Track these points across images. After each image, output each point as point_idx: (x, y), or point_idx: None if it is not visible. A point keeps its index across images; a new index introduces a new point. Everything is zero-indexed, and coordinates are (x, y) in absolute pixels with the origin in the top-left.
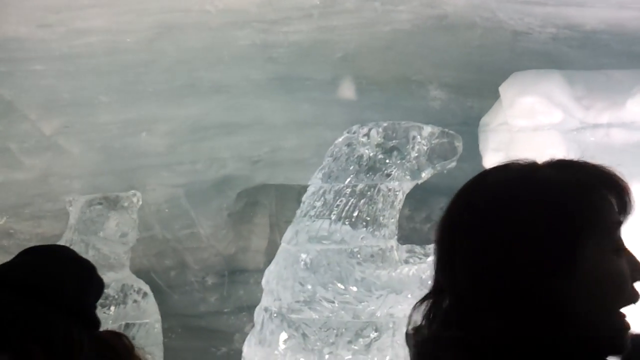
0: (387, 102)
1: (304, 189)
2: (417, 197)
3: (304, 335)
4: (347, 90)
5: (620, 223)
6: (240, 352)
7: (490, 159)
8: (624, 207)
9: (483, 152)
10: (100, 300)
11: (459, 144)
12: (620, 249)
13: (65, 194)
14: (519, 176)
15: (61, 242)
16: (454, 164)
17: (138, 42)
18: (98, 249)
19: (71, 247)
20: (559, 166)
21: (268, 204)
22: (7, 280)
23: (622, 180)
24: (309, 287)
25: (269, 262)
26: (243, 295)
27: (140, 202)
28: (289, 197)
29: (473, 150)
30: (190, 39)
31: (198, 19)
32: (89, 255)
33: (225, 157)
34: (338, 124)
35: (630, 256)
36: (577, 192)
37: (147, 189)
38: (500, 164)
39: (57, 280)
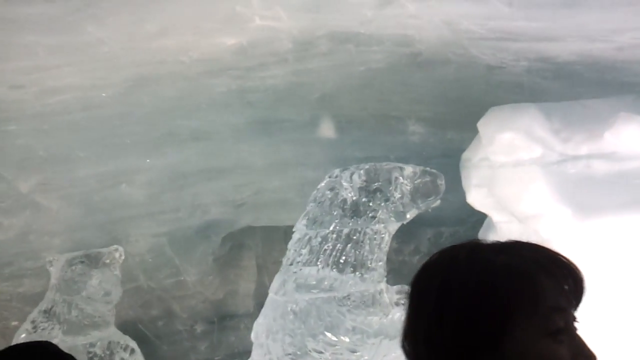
0: (367, 139)
1: (289, 229)
2: (404, 229)
3: None
4: (326, 130)
5: (559, 308)
6: None
7: (474, 195)
8: (565, 292)
9: (466, 188)
10: None
11: (441, 182)
12: (558, 333)
13: (45, 250)
14: (462, 258)
15: (43, 303)
16: (438, 202)
17: (113, 95)
18: (81, 309)
19: (53, 308)
20: (500, 250)
21: (254, 246)
22: None
23: (566, 266)
24: (299, 338)
25: (258, 305)
26: (234, 342)
27: (123, 257)
28: (274, 238)
29: (456, 181)
30: (166, 89)
31: (173, 70)
32: (72, 315)
33: (208, 203)
34: (319, 163)
35: (574, 341)
36: (509, 277)
37: (129, 240)
38: (451, 246)
39: None
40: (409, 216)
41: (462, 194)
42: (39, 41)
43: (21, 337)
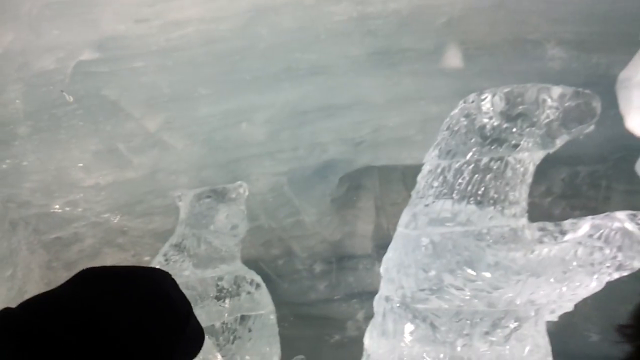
0: (498, 68)
1: (407, 169)
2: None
3: (432, 326)
4: (452, 58)
5: None
6: (353, 339)
7: (635, 119)
8: None
9: (625, 111)
10: (215, 293)
11: (597, 105)
12: None
13: (173, 189)
14: None
15: (174, 237)
16: (592, 127)
17: (232, 28)
18: (209, 243)
19: (184, 242)
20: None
21: (372, 186)
22: (63, 315)
23: None
24: (434, 273)
25: (377, 247)
26: (353, 282)
27: (247, 193)
28: (393, 178)
29: (603, 111)
30: (285, 19)
31: None
32: (201, 249)
33: (326, 141)
34: (444, 97)
35: None
36: None
37: (250, 179)
38: None
39: (132, 327)
40: (558, 143)
41: (604, 127)
42: None
43: None
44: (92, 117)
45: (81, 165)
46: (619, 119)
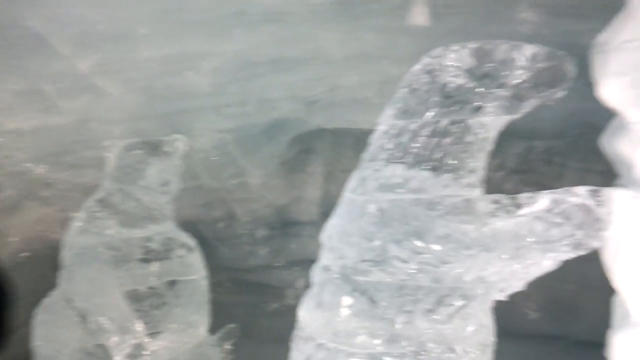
0: (465, 28)
1: (363, 133)
2: None
3: (371, 300)
4: (419, 16)
5: None
6: (291, 308)
7: (611, 85)
8: None
9: (600, 77)
10: (143, 256)
11: (571, 68)
12: None
13: (106, 140)
14: None
15: (99, 191)
16: (563, 92)
17: None
18: (138, 199)
19: (109, 197)
20: None
21: (322, 150)
22: None
23: None
24: (379, 244)
25: (323, 214)
26: (295, 249)
27: (185, 148)
28: (346, 143)
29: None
30: None
31: None
32: (130, 206)
33: (277, 98)
34: (406, 57)
35: None
36: None
37: (193, 134)
38: None
39: None
40: (525, 107)
41: (568, 101)
42: None
43: (76, 225)
44: (14, 52)
45: (0, 106)
46: (583, 93)
